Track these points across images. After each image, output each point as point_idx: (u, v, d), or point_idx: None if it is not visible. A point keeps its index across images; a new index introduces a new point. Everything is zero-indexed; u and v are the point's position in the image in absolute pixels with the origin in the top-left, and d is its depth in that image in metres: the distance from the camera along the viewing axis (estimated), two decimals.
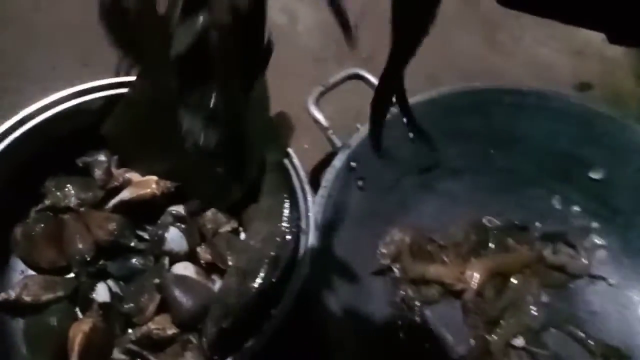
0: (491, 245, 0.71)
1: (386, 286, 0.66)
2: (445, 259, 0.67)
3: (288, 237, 0.57)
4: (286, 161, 0.60)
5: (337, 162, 0.60)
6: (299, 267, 0.54)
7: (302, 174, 0.58)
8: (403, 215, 0.70)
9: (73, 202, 0.64)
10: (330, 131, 0.61)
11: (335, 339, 0.53)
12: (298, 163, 0.58)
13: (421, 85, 0.72)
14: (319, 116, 0.62)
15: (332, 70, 0.68)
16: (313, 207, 0.56)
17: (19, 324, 0.60)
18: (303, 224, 0.57)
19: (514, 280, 0.69)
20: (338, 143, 0.62)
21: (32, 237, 0.61)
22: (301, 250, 0.55)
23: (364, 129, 0.63)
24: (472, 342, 0.64)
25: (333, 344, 0.52)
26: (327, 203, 0.57)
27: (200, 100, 0.51)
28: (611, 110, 0.71)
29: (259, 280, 0.54)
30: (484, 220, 0.73)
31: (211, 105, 0.51)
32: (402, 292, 0.66)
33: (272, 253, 0.55)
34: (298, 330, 0.55)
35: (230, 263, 0.58)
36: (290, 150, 0.59)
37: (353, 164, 0.61)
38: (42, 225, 0.62)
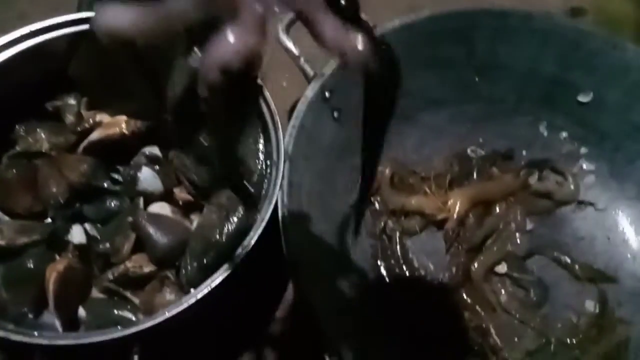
0: (475, 175, 0.70)
1: (366, 218, 0.66)
2: (427, 190, 0.65)
3: (263, 172, 0.56)
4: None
5: (309, 92, 0.58)
6: (269, 197, 0.52)
7: (272, 106, 0.56)
8: (384, 148, 0.68)
9: (45, 146, 0.63)
10: (302, 59, 0.59)
11: (309, 272, 0.52)
12: (268, 95, 0.56)
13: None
14: (289, 44, 0.59)
15: None
16: (285, 138, 0.55)
17: None
18: (274, 156, 0.55)
19: (497, 209, 0.68)
20: (310, 72, 0.59)
21: (5, 183, 0.61)
22: (272, 182, 0.54)
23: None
24: (454, 270, 0.64)
25: (307, 275, 0.52)
26: (299, 134, 0.56)
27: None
28: (600, 29, 0.68)
29: (238, 215, 0.54)
30: (468, 151, 0.72)
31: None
32: (382, 224, 0.65)
33: (251, 189, 0.54)
34: (271, 263, 0.55)
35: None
36: (259, 81, 0.57)
37: (327, 93, 0.59)
38: (15, 170, 0.61)
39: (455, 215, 0.65)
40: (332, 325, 0.47)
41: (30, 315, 0.56)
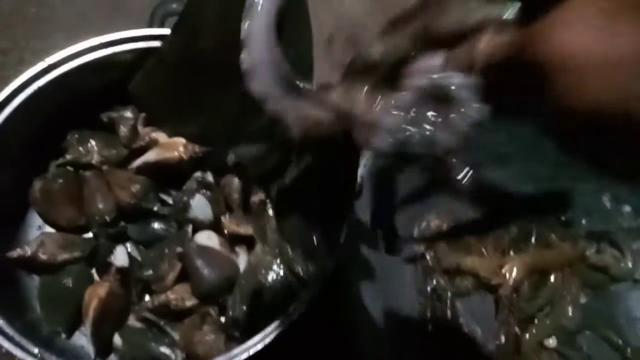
0: (533, 240, 0.67)
1: (417, 274, 0.63)
2: (484, 251, 0.63)
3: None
4: None
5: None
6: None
7: None
8: (441, 199, 0.65)
9: (95, 158, 0.61)
10: None
11: (362, 326, 0.50)
12: None
13: None
14: None
15: None
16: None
17: (34, 282, 0.57)
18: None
19: (552, 278, 0.65)
20: None
21: (51, 194, 0.59)
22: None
23: None
24: (503, 339, 0.61)
25: (360, 331, 0.49)
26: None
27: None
28: None
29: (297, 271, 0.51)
30: None
31: None
32: (433, 282, 0.62)
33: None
34: (323, 315, 0.52)
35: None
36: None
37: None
38: (62, 181, 0.59)
39: (510, 282, 0.62)
40: None
41: (63, 336, 0.54)
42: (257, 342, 0.45)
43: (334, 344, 0.58)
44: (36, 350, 0.44)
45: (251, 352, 0.44)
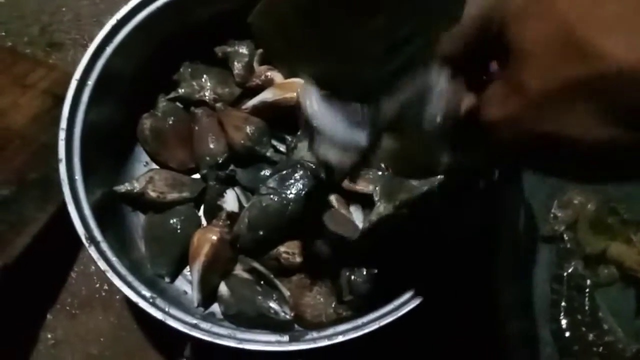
0: None
1: (552, 257, 0.55)
2: (633, 237, 0.54)
3: None
4: None
5: None
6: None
7: None
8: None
9: (208, 95, 0.57)
10: None
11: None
12: None
13: None
14: None
15: None
16: None
17: (139, 220, 0.55)
18: None
19: None
20: None
21: (161, 133, 0.55)
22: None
23: None
24: None
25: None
26: None
27: None
28: None
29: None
30: None
31: None
32: (571, 268, 0.54)
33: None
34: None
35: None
36: None
37: None
38: (173, 118, 0.55)
39: None
40: None
41: (167, 279, 0.51)
42: (390, 312, 0.39)
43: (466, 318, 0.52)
44: (148, 294, 0.41)
45: (382, 322, 0.39)
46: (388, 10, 0.47)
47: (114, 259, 0.43)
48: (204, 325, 0.40)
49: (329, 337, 0.39)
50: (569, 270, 0.53)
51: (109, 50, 0.50)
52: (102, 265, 0.41)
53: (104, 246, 0.43)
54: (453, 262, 0.41)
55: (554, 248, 0.55)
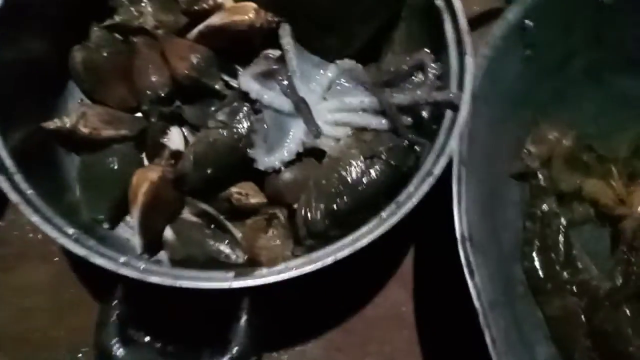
0: None
1: (525, 194, 0.52)
2: (612, 172, 0.51)
3: (427, 107, 0.43)
4: (440, 2, 0.43)
5: (511, 15, 0.43)
6: (442, 146, 0.39)
7: (462, 20, 0.41)
8: (558, 107, 0.53)
9: (149, 22, 0.50)
10: None
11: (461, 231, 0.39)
12: (459, 5, 0.42)
13: None
14: None
15: None
16: (472, 68, 0.41)
17: (73, 161, 0.49)
18: (452, 91, 0.41)
19: None
20: None
21: (96, 66, 0.49)
22: (445, 127, 0.41)
23: None
24: (620, 280, 0.50)
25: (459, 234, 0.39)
26: (489, 68, 0.41)
27: None
28: None
29: (391, 159, 0.41)
30: None
31: None
32: (544, 205, 0.51)
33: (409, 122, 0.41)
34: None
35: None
36: None
37: (528, 22, 0.44)
38: (109, 50, 0.49)
39: (638, 215, 0.50)
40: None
41: (106, 225, 0.46)
42: (347, 245, 0.35)
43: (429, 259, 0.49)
44: (71, 231, 0.36)
45: (338, 255, 0.35)
46: None
47: (29, 192, 0.37)
48: (136, 263, 0.35)
49: (280, 272, 0.35)
50: (543, 208, 0.50)
51: None
52: (14, 197, 0.36)
53: (18, 178, 0.37)
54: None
55: (526, 185, 0.52)
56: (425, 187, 0.37)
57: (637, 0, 0.50)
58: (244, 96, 0.45)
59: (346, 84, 0.46)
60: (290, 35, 0.45)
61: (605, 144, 0.55)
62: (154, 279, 0.34)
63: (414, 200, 0.36)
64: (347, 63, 0.46)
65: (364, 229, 0.37)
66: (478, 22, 0.59)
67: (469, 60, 0.40)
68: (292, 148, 0.44)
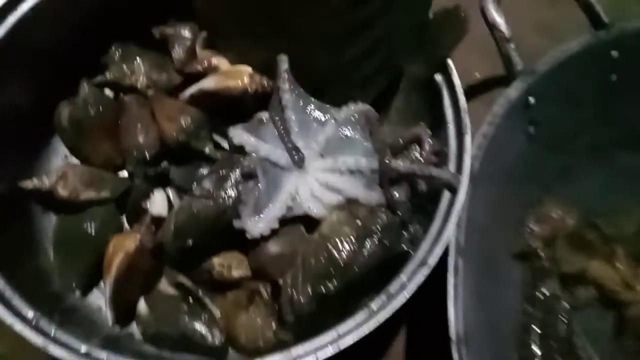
0: None
1: (526, 275, 0.49)
2: (618, 254, 0.48)
3: (423, 183, 0.41)
4: (439, 77, 0.41)
5: (513, 92, 0.42)
6: (439, 233, 0.37)
7: (461, 99, 0.40)
8: (564, 184, 0.51)
9: (141, 81, 0.49)
10: (512, 45, 0.42)
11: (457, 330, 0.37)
12: (458, 83, 0.40)
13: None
14: (499, 19, 0.42)
15: None
16: (471, 148, 0.38)
17: (50, 222, 0.46)
18: (450, 171, 0.39)
19: None
20: (519, 64, 0.43)
21: (82, 124, 0.47)
22: (442, 207, 0.38)
23: (556, 52, 0.43)
24: None
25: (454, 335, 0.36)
26: (490, 147, 0.39)
27: None
28: None
29: (384, 240, 0.38)
30: None
31: None
32: (546, 288, 0.48)
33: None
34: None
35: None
36: (450, 62, 0.41)
37: (531, 99, 0.43)
38: (96, 108, 0.47)
39: None
40: None
41: (77, 293, 0.44)
42: (331, 342, 0.32)
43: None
44: (31, 314, 0.33)
45: (320, 355, 0.32)
46: None
47: None
48: (98, 354, 0.32)
49: None
50: (544, 291, 0.47)
51: (16, 13, 0.42)
52: None
53: None
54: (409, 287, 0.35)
55: (527, 266, 0.49)
56: (419, 279, 0.34)
57: None
58: (238, 150, 0.43)
59: (348, 133, 0.44)
60: (290, 89, 0.44)
61: (612, 222, 0.52)
62: None
63: (406, 294, 0.33)
64: (359, 106, 0.44)
65: (350, 324, 0.34)
66: (480, 89, 0.58)
67: (468, 141, 0.38)
68: (284, 208, 0.41)
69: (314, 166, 0.43)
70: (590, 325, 0.49)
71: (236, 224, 0.41)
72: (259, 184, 0.42)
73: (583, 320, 0.49)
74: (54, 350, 0.31)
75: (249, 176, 0.42)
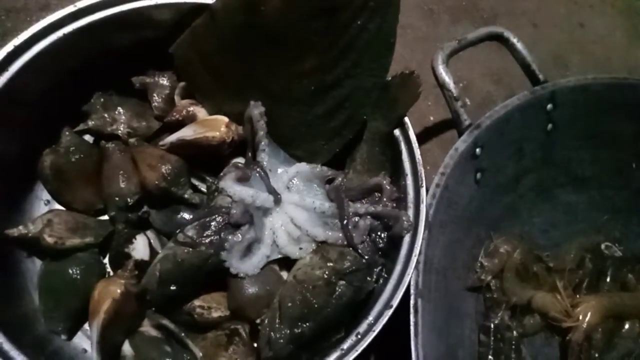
0: (608, 278, 0.58)
1: (480, 306, 0.54)
2: (559, 285, 0.54)
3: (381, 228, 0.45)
4: (397, 132, 0.46)
5: (461, 145, 0.47)
6: (400, 276, 0.41)
7: (417, 153, 0.44)
8: (511, 222, 0.57)
9: (122, 129, 0.52)
10: (459, 103, 0.48)
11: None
12: (414, 138, 0.45)
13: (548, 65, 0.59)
14: (447, 80, 0.48)
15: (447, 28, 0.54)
16: (425, 198, 0.43)
17: (35, 266, 0.49)
18: (409, 218, 0.44)
19: (627, 325, 0.56)
20: (466, 120, 0.48)
21: (63, 171, 0.50)
22: (403, 252, 0.43)
23: (499, 108, 0.49)
24: None
25: None
26: (442, 196, 0.44)
27: None
28: None
29: (355, 282, 0.42)
30: (602, 247, 0.60)
31: None
32: (497, 318, 0.53)
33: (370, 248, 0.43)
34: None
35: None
36: (407, 120, 0.46)
37: (478, 150, 0.48)
38: (78, 156, 0.50)
39: (584, 326, 0.53)
40: None
41: (63, 336, 0.46)
42: None
43: None
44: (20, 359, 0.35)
45: None
46: (317, 53, 0.46)
47: None
48: None
49: None
50: (496, 322, 0.52)
51: (7, 74, 0.45)
52: None
53: None
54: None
55: (480, 298, 0.54)
56: (384, 319, 0.39)
57: (576, 127, 0.55)
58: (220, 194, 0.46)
59: (310, 180, 0.48)
60: (265, 133, 0.47)
61: (555, 254, 0.58)
62: None
63: (374, 333, 0.38)
64: (304, 166, 0.48)
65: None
66: (434, 132, 0.63)
67: (423, 192, 0.43)
68: (269, 245, 0.45)
69: (285, 198, 0.46)
70: (540, 349, 0.55)
71: (232, 270, 0.44)
72: (249, 228, 0.45)
73: (533, 345, 0.55)
74: None
75: (236, 226, 0.46)
